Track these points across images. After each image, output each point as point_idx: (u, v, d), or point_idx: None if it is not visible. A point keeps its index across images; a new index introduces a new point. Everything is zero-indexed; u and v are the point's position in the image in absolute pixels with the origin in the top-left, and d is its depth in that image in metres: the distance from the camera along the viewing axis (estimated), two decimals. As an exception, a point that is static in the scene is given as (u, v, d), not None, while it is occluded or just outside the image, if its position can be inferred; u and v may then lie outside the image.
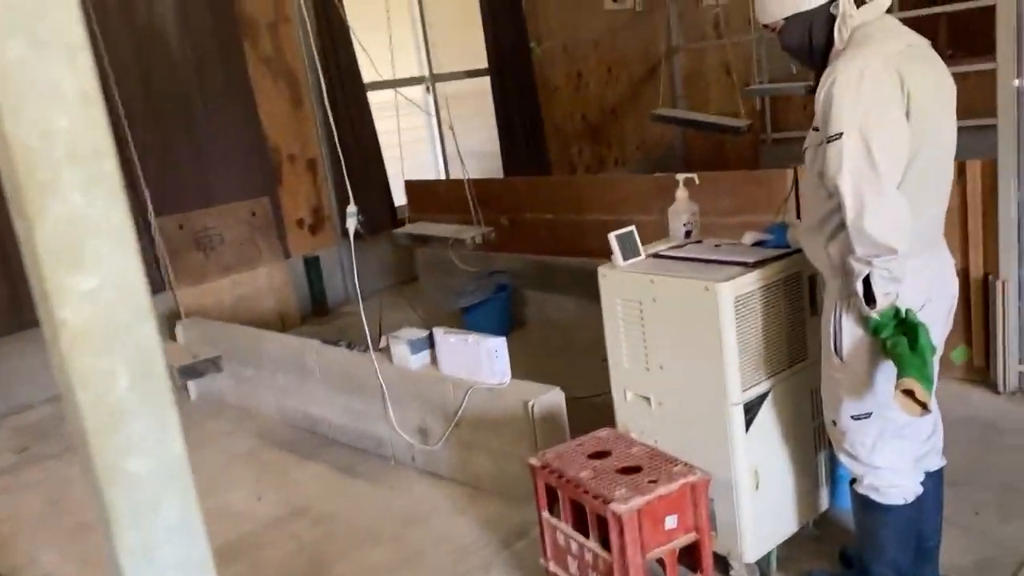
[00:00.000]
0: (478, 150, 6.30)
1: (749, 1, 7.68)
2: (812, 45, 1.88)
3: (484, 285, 4.47)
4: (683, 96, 7.46)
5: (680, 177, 2.49)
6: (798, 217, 2.99)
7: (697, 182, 2.50)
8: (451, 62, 6.05)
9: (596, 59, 6.90)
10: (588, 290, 4.38)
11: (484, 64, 6.12)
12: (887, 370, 1.79)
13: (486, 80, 6.16)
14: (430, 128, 5.99)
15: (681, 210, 2.49)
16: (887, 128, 1.72)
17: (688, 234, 2.50)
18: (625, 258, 2.28)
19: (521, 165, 6.22)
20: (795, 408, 2.21)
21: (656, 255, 2.33)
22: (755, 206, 3.65)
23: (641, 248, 2.32)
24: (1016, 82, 2.92)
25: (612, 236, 2.29)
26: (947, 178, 1.90)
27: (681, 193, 2.48)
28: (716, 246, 2.35)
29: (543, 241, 4.44)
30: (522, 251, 4.54)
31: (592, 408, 2.75)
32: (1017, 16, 2.89)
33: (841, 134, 1.73)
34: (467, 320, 4.48)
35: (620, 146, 7.20)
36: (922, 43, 1.85)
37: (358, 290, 2.89)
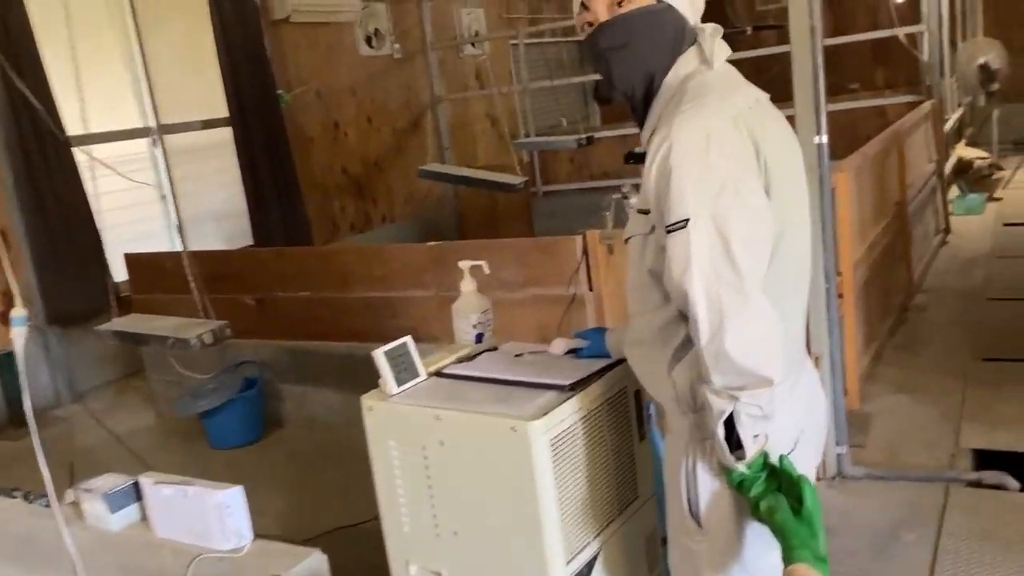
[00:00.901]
0: (221, 210, 5.50)
1: (509, 53, 7.50)
2: (642, 68, 1.41)
3: (227, 381, 3.71)
4: (450, 148, 7.05)
5: (465, 265, 1.95)
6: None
7: (486, 270, 1.98)
8: (183, 111, 5.23)
9: (355, 108, 6.32)
10: (355, 380, 3.75)
11: (224, 113, 5.35)
12: (763, 538, 1.32)
13: (227, 131, 5.39)
14: (160, 188, 5.12)
15: (469, 308, 1.95)
16: (747, 210, 1.28)
17: (480, 337, 1.96)
18: (399, 382, 1.70)
19: (273, 227, 5.48)
20: (630, 570, 1.71)
21: (440, 373, 1.77)
22: (544, 278, 3.21)
23: (420, 365, 1.74)
24: (818, 139, 2.68)
25: (379, 354, 1.70)
26: (808, 266, 1.49)
27: (467, 286, 1.94)
28: (518, 356, 1.83)
29: (299, 324, 3.75)
30: (274, 337, 3.83)
31: (367, 541, 2.13)
32: (814, 68, 2.65)
33: (687, 221, 1.27)
34: (208, 426, 3.69)
35: (387, 201, 6.64)
36: (765, 97, 1.43)
37: (29, 413, 2.07)
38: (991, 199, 6.69)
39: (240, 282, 3.84)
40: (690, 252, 1.26)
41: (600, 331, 1.73)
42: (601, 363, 1.69)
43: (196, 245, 5.24)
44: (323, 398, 3.74)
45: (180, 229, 4.95)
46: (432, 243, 3.41)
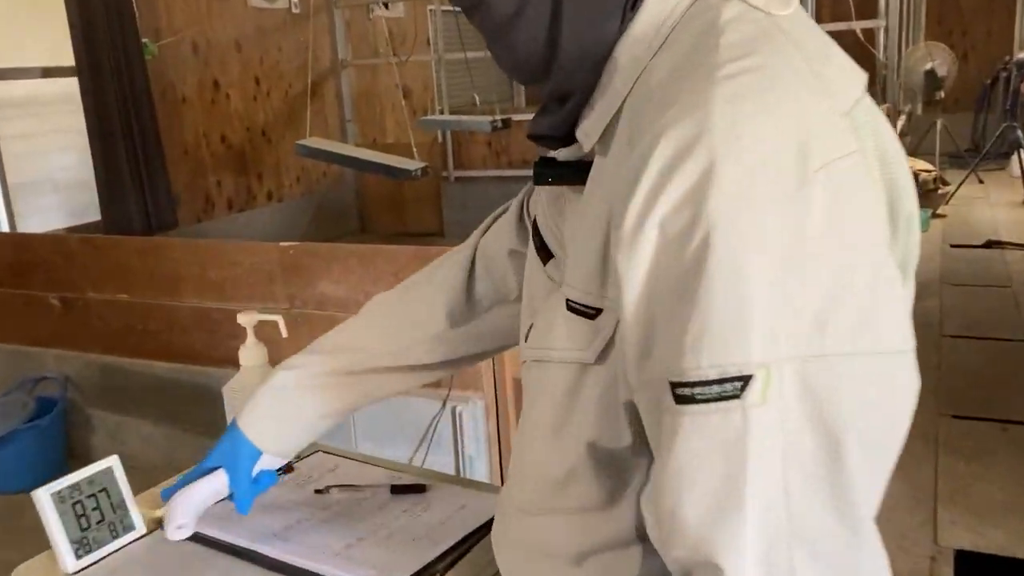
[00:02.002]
0: (63, 179, 4.58)
1: (427, 16, 6.69)
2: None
3: (15, 404, 2.85)
4: (353, 120, 6.21)
5: (246, 320, 1.20)
6: None
7: (284, 333, 1.23)
8: (17, 53, 4.28)
9: (240, 67, 5.44)
10: (183, 413, 2.91)
11: (70, 60, 4.43)
12: None
13: (73, 82, 4.46)
14: (-21, 146, 4.18)
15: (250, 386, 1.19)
16: (881, 357, 0.56)
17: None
18: (86, 549, 0.96)
19: (130, 201, 4.59)
20: None
21: (199, 537, 1.04)
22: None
23: (133, 509, 1.00)
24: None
25: (43, 496, 0.95)
26: None
27: (252, 357, 1.19)
28: (320, 492, 1.11)
29: (115, 335, 2.92)
30: (83, 348, 2.99)
31: None
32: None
33: (743, 381, 0.53)
34: (-13, 461, 2.84)
35: (275, 178, 5.78)
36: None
37: None
38: (935, 216, 6.22)
39: (44, 275, 2.98)
40: (745, 460, 0.53)
41: (235, 441, 1.03)
42: (455, 530, 0.97)
43: (30, 219, 4.32)
44: (142, 431, 2.92)
45: (6, 198, 4.03)
46: (285, 243, 2.63)
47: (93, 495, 1.03)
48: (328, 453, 1.25)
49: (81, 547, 0.98)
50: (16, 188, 4.27)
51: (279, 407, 1.03)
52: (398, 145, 5.27)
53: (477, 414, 2.44)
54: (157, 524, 1.09)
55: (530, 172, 0.74)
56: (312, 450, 1.26)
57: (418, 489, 1.11)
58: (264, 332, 1.31)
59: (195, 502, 1.02)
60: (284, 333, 1.24)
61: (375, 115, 6.51)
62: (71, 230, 4.36)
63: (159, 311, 2.83)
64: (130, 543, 1.05)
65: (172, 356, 2.83)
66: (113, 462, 1.06)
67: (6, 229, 4.13)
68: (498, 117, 3.97)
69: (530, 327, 0.72)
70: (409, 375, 1.02)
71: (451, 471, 2.44)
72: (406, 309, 1.06)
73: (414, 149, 3.98)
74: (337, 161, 3.93)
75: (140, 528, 1.06)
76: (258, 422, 1.02)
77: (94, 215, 4.54)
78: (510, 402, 2.47)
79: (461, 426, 2.40)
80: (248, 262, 2.68)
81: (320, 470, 1.20)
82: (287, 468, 1.19)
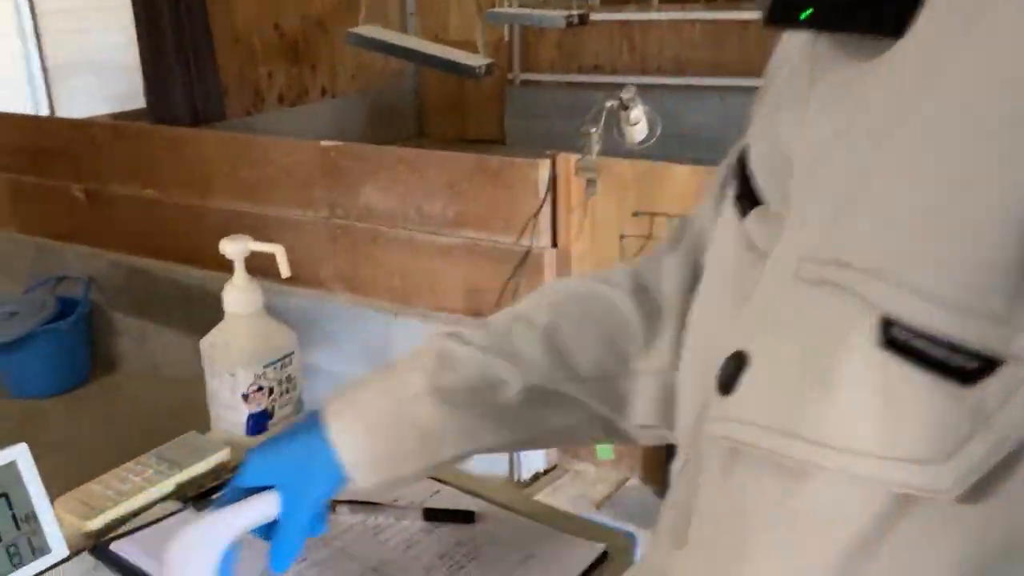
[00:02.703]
0: (106, 61, 4.22)
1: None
2: None
3: (34, 305, 2.55)
4: (416, 14, 5.72)
5: (234, 251, 0.83)
6: None
7: (285, 271, 0.86)
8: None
9: (298, -53, 4.97)
10: (213, 324, 2.58)
11: (114, -71, 4.01)
12: None
13: (117, -45, 4.06)
14: (19, 20, 3.83)
15: (239, 353, 0.84)
16: None
17: (258, 423, 0.85)
18: None
19: (176, 90, 4.24)
20: None
21: (103, 549, 0.69)
22: (487, 217, 2.07)
23: (51, 525, 0.65)
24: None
25: None
26: None
27: (240, 301, 0.84)
28: None
29: (141, 235, 2.60)
30: (108, 246, 2.67)
31: None
32: None
33: None
34: (6, 364, 2.57)
35: (329, 72, 5.36)
36: None
37: None
38: None
39: (68, 164, 2.65)
40: None
41: (312, 453, 0.62)
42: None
43: (69, 103, 3.99)
44: (169, 340, 2.61)
45: (45, 81, 3.70)
46: (327, 143, 2.24)
47: (-17, 505, 0.69)
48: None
49: None
50: (56, 70, 3.93)
51: (404, 417, 0.61)
52: (461, 43, 4.80)
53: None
54: (91, 540, 0.75)
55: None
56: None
57: (463, 518, 0.74)
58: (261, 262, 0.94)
59: (220, 544, 0.60)
60: (285, 271, 0.87)
61: (439, 9, 6.00)
62: (114, 117, 4.03)
63: (187, 212, 2.49)
64: (39, 575, 0.71)
65: (201, 262, 2.50)
66: (18, 454, 0.71)
67: (46, 113, 3.81)
68: (574, 12, 3.48)
69: (733, 373, 0.33)
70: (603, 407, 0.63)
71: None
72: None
73: (480, 46, 3.54)
74: (392, 52, 3.50)
75: (58, 550, 0.72)
76: (362, 436, 0.61)
77: (139, 102, 4.19)
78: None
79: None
80: (285, 162, 2.31)
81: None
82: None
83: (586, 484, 2.13)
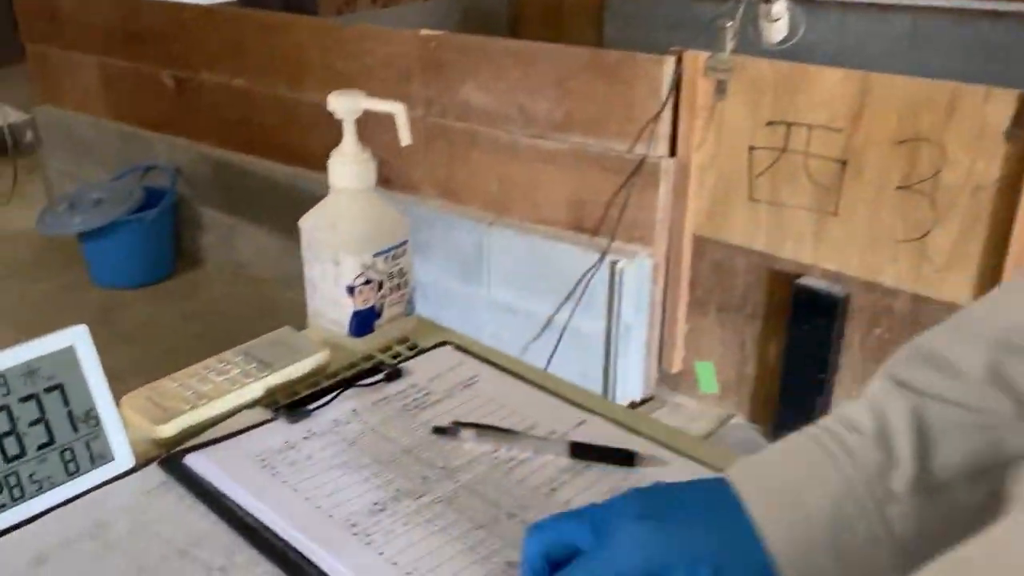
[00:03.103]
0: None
1: None
2: None
3: (121, 193, 2.47)
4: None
5: (343, 107, 0.65)
6: None
7: (406, 137, 0.68)
8: None
9: None
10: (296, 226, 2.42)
11: None
12: None
13: None
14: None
15: (348, 238, 0.68)
16: None
17: (364, 322, 0.69)
18: None
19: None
20: None
21: (214, 495, 0.53)
22: (599, 120, 1.86)
23: (116, 431, 0.51)
24: None
25: None
26: None
27: (349, 171, 0.65)
28: (443, 432, 0.58)
29: (231, 125, 2.48)
30: (196, 137, 2.56)
31: None
32: None
33: None
34: (88, 253, 2.51)
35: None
36: None
37: None
38: None
39: (158, 48, 2.51)
40: None
41: (735, 534, 0.42)
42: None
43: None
44: (256, 239, 2.51)
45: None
46: (427, 32, 2.04)
47: (32, 398, 0.55)
48: (459, 349, 0.72)
49: None
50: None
51: (862, 520, 0.42)
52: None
53: (643, 273, 1.88)
54: (162, 449, 0.60)
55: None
56: (434, 338, 0.74)
57: (622, 458, 0.57)
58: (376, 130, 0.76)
59: None
60: (405, 137, 0.70)
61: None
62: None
63: (278, 104, 2.34)
64: (99, 487, 0.57)
65: (290, 158, 2.36)
66: (77, 337, 0.56)
67: None
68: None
69: None
70: None
71: (599, 338, 1.92)
72: None
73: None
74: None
75: (122, 458, 0.58)
76: (801, 531, 0.42)
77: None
78: (686, 264, 1.90)
79: (621, 286, 1.85)
80: (382, 52, 2.12)
81: (442, 381, 0.67)
82: (392, 373, 0.67)
83: (685, 419, 1.95)
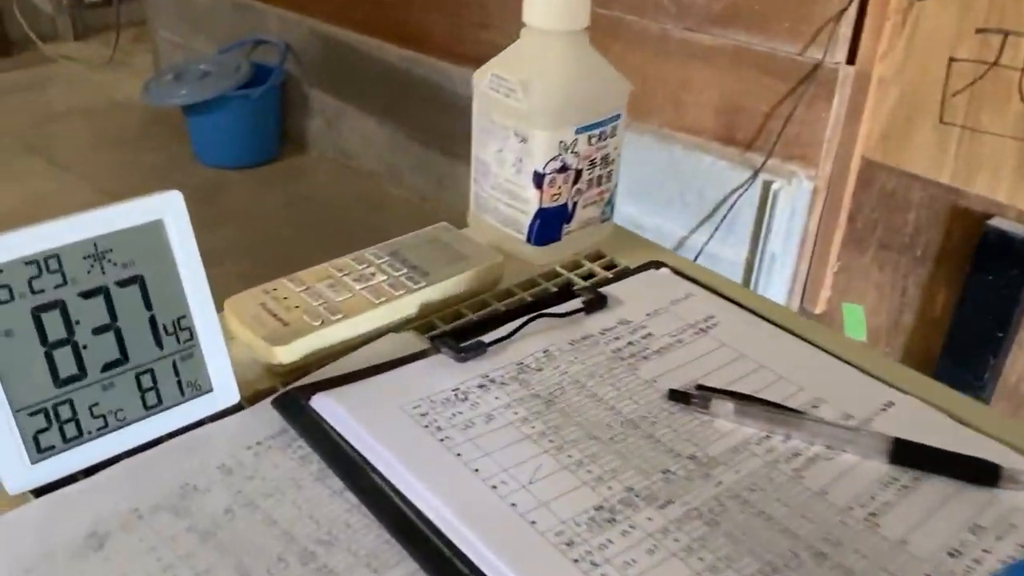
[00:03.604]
0: None
1: None
2: None
3: (228, 66, 2.29)
4: None
5: None
6: None
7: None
8: None
9: None
10: (414, 113, 2.32)
11: None
12: None
13: None
14: None
15: (545, 109, 0.45)
16: None
17: (551, 226, 0.47)
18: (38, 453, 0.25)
19: None
20: None
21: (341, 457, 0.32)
22: (769, 15, 1.57)
23: (222, 359, 0.29)
24: None
25: None
26: None
27: (545, 13, 0.41)
28: (683, 398, 0.35)
29: (344, 2, 2.25)
30: (308, 11, 2.35)
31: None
32: None
33: None
34: (193, 128, 2.35)
35: None
36: None
37: None
38: None
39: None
40: None
41: None
42: None
43: None
44: (363, 126, 2.31)
45: None
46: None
47: (98, 293, 0.36)
48: (679, 274, 0.51)
49: (45, 436, 0.33)
50: None
51: None
52: None
53: (799, 199, 1.61)
54: (278, 381, 0.41)
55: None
56: (639, 255, 0.52)
57: (974, 474, 0.35)
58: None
59: None
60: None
61: None
62: None
63: (399, -21, 2.09)
64: (186, 430, 0.38)
65: (407, 40, 2.13)
66: (167, 205, 0.37)
67: None
68: None
69: None
70: None
71: (738, 267, 1.68)
72: None
73: None
74: None
75: (223, 390, 0.39)
76: None
77: None
78: (848, 192, 1.62)
79: (772, 210, 1.60)
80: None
81: (664, 320, 0.46)
82: (593, 301, 0.47)
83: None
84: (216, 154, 2.33)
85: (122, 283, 0.37)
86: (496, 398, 0.41)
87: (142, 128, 2.60)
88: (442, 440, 0.38)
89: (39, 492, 0.36)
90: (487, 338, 0.44)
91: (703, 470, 0.37)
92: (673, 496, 0.36)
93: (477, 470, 0.36)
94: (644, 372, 0.43)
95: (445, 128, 2.07)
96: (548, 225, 0.52)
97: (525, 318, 0.45)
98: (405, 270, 0.48)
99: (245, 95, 2.27)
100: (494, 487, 0.35)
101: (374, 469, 0.37)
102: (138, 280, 0.38)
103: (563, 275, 0.53)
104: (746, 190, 1.63)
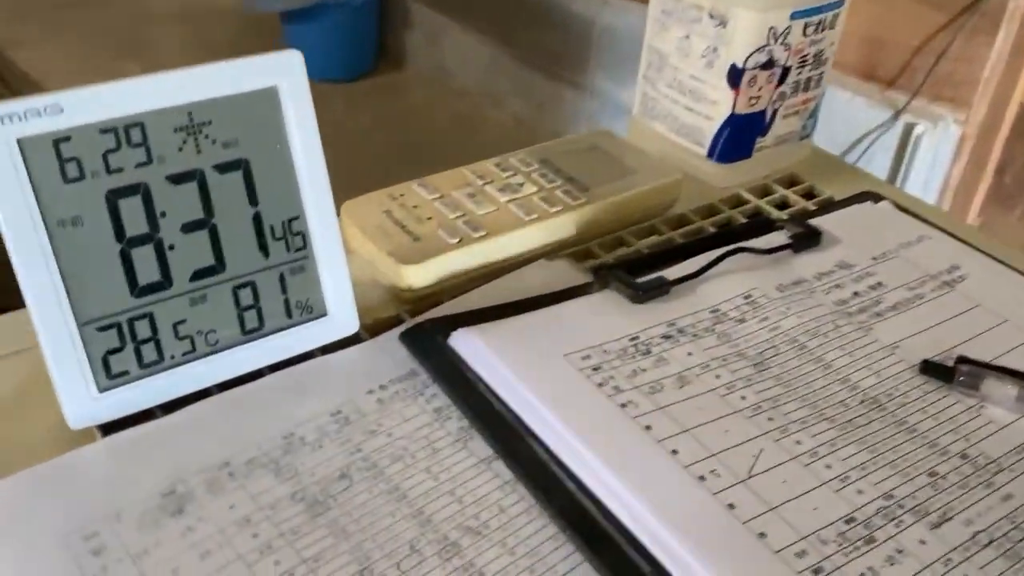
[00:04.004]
0: None
1: None
2: None
3: (329, -27, 2.20)
4: None
5: None
6: None
7: None
8: None
9: None
10: (527, 36, 2.21)
11: None
12: None
13: None
14: None
15: None
16: None
17: (741, 138, 0.41)
18: (107, 378, 0.16)
19: None
20: None
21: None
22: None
23: (342, 277, 0.19)
24: None
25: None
26: None
27: None
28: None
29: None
30: (415, -81, 2.23)
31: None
32: None
33: None
34: (288, 36, 2.27)
35: None
36: None
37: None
38: None
39: None
40: None
41: None
42: None
43: None
44: (465, 45, 2.20)
45: None
46: None
47: (191, 178, 0.27)
48: (903, 211, 0.40)
49: (117, 358, 0.26)
50: None
51: None
52: None
53: (944, 145, 1.44)
54: (405, 308, 0.32)
55: None
56: (846, 185, 0.41)
57: None
58: None
59: None
60: None
61: None
62: None
63: None
64: (292, 362, 0.30)
65: (516, -48, 1.99)
66: (286, 73, 0.27)
67: None
68: None
69: None
70: None
71: (866, 216, 1.52)
72: None
73: None
74: None
75: (341, 317, 0.30)
76: None
77: None
78: (1001, 141, 1.45)
79: (912, 157, 1.43)
80: None
81: (896, 267, 0.35)
82: (803, 235, 0.36)
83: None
84: (311, 65, 2.25)
85: (222, 167, 0.28)
86: (689, 354, 0.31)
87: (239, 36, 2.53)
88: (623, 405, 0.28)
89: (106, 430, 0.28)
90: (670, 273, 0.34)
91: (981, 476, 0.27)
92: (948, 511, 0.26)
93: (675, 452, 0.27)
94: (881, 334, 0.32)
95: (552, 48, 1.94)
96: (739, 137, 0.41)
97: (720, 251, 0.35)
98: (560, 182, 0.39)
99: (345, 3, 2.17)
100: (701, 478, 0.26)
101: (533, 434, 0.28)
102: (242, 165, 0.29)
103: (750, 202, 0.42)
104: (884, 132, 1.47)
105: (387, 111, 2.23)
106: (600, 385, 0.29)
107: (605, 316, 0.32)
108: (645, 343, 0.31)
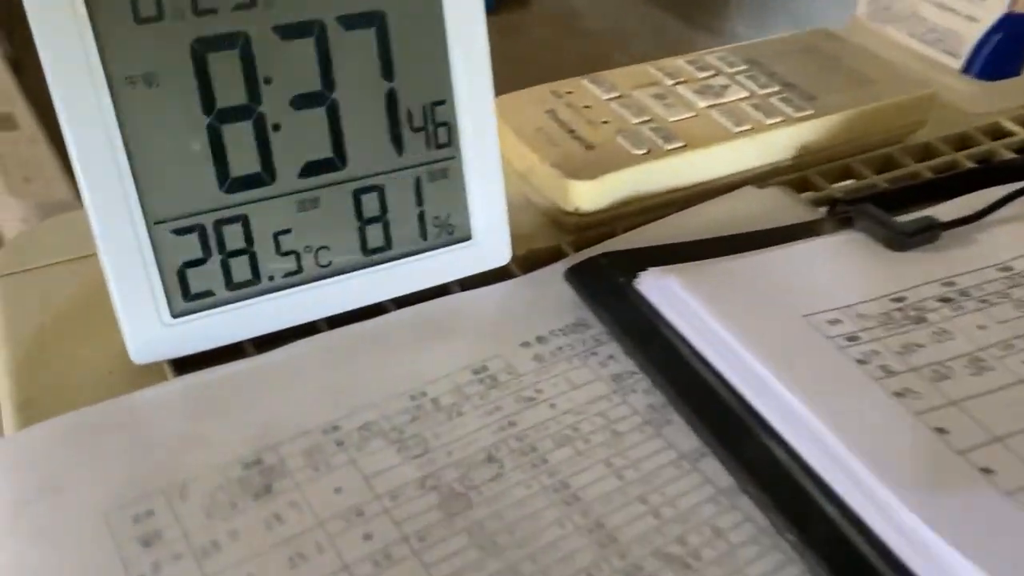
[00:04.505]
0: None
1: None
2: None
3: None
4: None
5: None
6: None
7: None
8: None
9: None
10: None
11: None
12: None
13: None
14: None
15: None
16: None
17: None
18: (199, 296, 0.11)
19: None
20: None
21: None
22: None
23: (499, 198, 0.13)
24: None
25: None
26: None
27: None
28: None
29: None
30: None
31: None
32: None
33: None
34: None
35: None
36: None
37: None
38: None
39: None
40: None
41: None
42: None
43: None
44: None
45: None
46: None
47: (306, 31, 0.18)
48: None
49: (198, 273, 0.19)
50: None
51: None
52: None
53: None
54: (572, 237, 0.24)
55: None
56: None
57: None
58: None
59: None
60: None
61: None
62: None
63: None
64: (429, 296, 0.22)
65: None
66: None
67: None
68: None
69: None
70: None
71: None
72: None
73: None
74: None
75: (492, 245, 0.22)
76: None
77: None
78: None
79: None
80: None
81: None
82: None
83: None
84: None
85: (349, 20, 0.21)
86: (980, 327, 0.21)
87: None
88: (898, 394, 0.19)
89: (179, 368, 0.21)
90: (944, 213, 0.24)
91: None
92: None
93: (989, 471, 0.18)
94: None
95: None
96: (1009, 47, 0.31)
97: (1013, 188, 0.25)
98: (776, 87, 0.29)
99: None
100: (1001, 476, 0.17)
101: (766, 426, 0.19)
102: (376, 21, 0.21)
103: (1016, 134, 0.32)
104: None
105: (508, 51, 2.15)
106: (861, 363, 0.20)
107: (852, 266, 0.23)
108: (916, 307, 0.22)
